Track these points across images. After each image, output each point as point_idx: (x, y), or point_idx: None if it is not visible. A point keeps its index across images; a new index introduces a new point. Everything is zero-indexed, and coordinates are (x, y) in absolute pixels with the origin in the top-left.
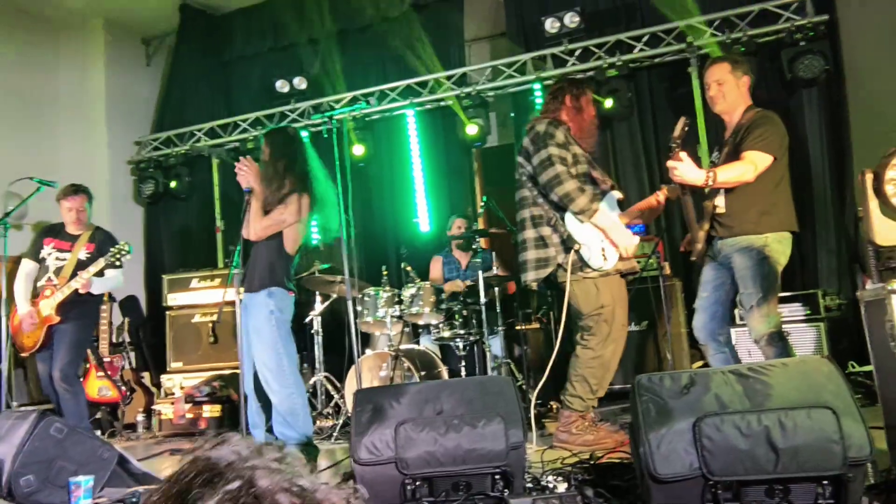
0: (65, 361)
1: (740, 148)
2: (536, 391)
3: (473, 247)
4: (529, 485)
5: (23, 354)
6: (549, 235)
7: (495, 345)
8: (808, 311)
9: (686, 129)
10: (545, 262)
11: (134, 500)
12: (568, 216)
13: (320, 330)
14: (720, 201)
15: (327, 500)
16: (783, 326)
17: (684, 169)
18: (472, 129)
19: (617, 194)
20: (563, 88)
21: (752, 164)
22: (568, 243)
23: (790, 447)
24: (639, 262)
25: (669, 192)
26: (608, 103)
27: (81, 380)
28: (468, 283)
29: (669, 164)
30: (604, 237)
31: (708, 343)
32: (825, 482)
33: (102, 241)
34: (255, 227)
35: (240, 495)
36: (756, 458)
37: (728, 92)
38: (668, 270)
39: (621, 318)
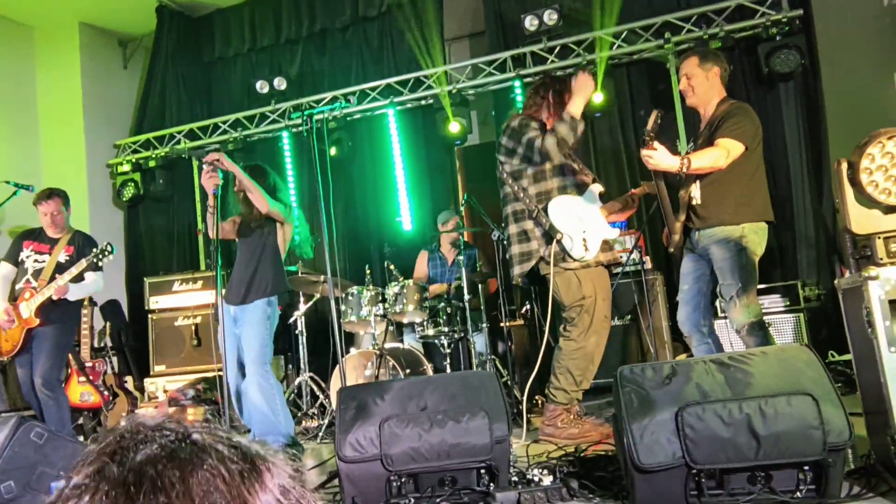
0: (46, 367)
1: (714, 137)
2: (528, 387)
3: (457, 244)
4: (515, 478)
5: (1, 359)
6: (532, 229)
7: (479, 342)
8: (788, 302)
9: (659, 121)
10: (528, 256)
11: None
12: (551, 206)
13: (304, 330)
14: (696, 192)
15: (268, 459)
16: (764, 317)
17: (659, 156)
18: (454, 127)
19: (598, 188)
20: (545, 84)
21: (725, 150)
22: (550, 233)
23: (771, 434)
24: (620, 256)
25: (648, 188)
26: (597, 98)
27: (63, 385)
28: (454, 284)
29: (644, 153)
30: (585, 227)
31: (692, 334)
32: (806, 468)
33: (82, 245)
34: (265, 199)
35: (174, 444)
36: (738, 446)
37: (697, 85)
38: (649, 264)
39: (603, 309)
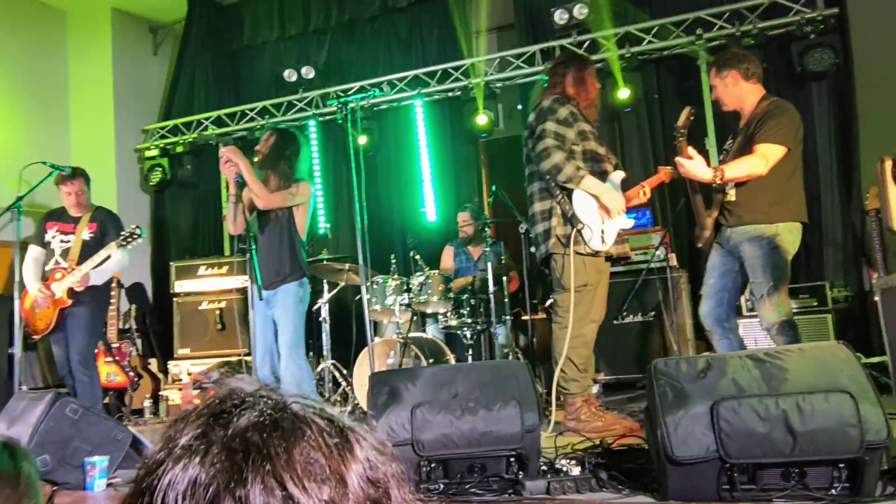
0: (82, 345)
1: (753, 139)
2: (555, 381)
3: (483, 237)
4: (544, 468)
5: (35, 337)
6: (554, 207)
7: (501, 334)
8: (816, 303)
9: (691, 118)
10: (549, 234)
11: (139, 479)
12: (575, 195)
13: (328, 318)
14: (730, 189)
15: (356, 431)
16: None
17: (692, 165)
18: (482, 119)
19: (620, 175)
20: (564, 62)
21: (764, 157)
22: (572, 221)
23: (808, 430)
24: (645, 252)
25: (665, 175)
26: (624, 94)
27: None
28: (477, 277)
29: (677, 160)
30: (604, 221)
31: (713, 329)
32: (841, 465)
33: (104, 220)
34: (264, 195)
35: (276, 413)
36: (774, 441)
37: (721, 94)
38: (674, 261)
39: (601, 299)
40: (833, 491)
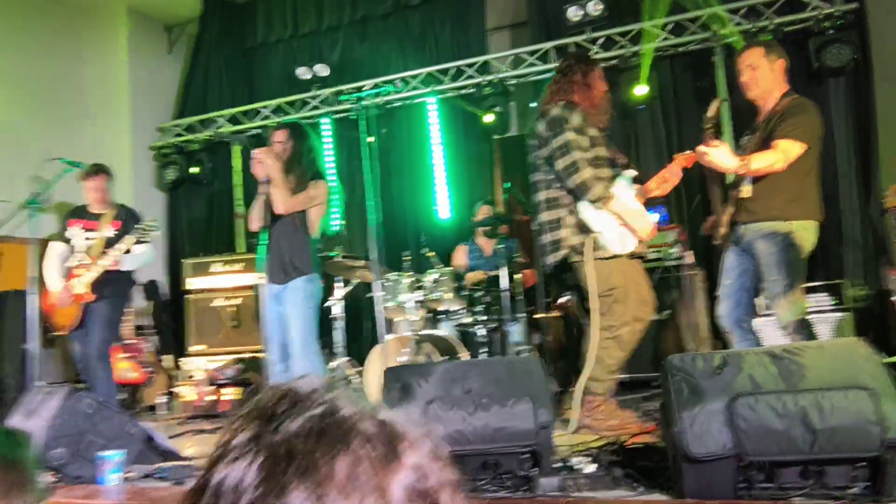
0: (100, 339)
1: (773, 135)
2: (581, 384)
3: (497, 233)
4: (558, 465)
5: (59, 333)
6: (564, 217)
7: (515, 332)
8: (835, 302)
9: (720, 110)
10: (558, 245)
11: (160, 475)
12: (581, 204)
13: (342, 315)
14: (746, 186)
15: (409, 436)
16: (808, 317)
17: (718, 155)
18: (488, 118)
19: (631, 173)
20: (570, 66)
21: (784, 153)
22: (583, 228)
23: (827, 428)
24: (660, 250)
25: (680, 160)
26: (639, 91)
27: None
28: (489, 273)
29: (701, 148)
30: (619, 223)
31: (732, 330)
32: (861, 464)
33: (127, 218)
34: (286, 201)
35: (324, 420)
36: (792, 439)
37: (761, 77)
38: (690, 259)
39: (636, 297)
40: (853, 490)
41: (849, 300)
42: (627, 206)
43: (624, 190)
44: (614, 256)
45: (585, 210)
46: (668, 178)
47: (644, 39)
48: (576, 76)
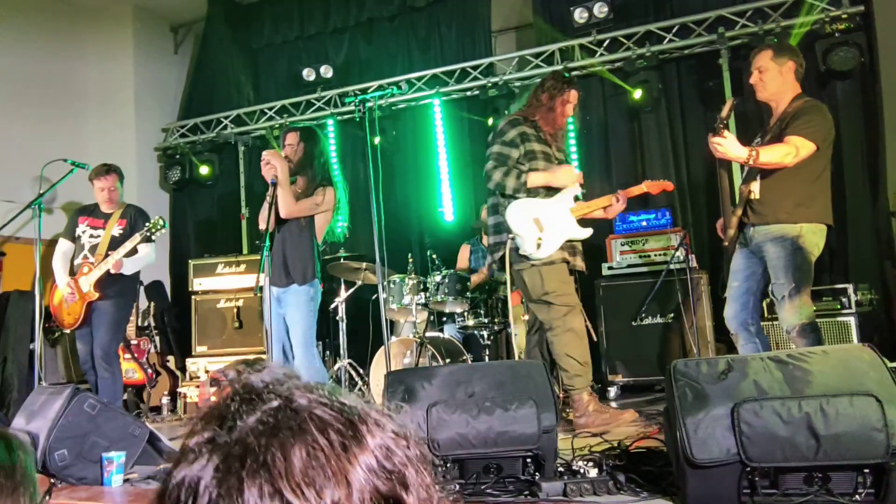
0: (105, 340)
1: (784, 133)
2: (563, 382)
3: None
4: (561, 469)
5: (64, 331)
6: (503, 222)
7: (518, 335)
8: (839, 306)
9: (734, 109)
10: (498, 247)
11: (164, 476)
12: (510, 207)
13: (344, 317)
14: (755, 187)
15: (371, 417)
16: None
17: (728, 145)
18: (493, 120)
19: (576, 189)
20: (544, 83)
21: (794, 148)
22: (505, 230)
23: (832, 434)
24: (665, 253)
25: (648, 187)
26: (637, 94)
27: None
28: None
29: (713, 140)
30: (544, 227)
31: (739, 333)
32: (866, 471)
33: (134, 217)
34: (289, 206)
35: (279, 414)
36: (796, 445)
37: (769, 80)
38: (694, 263)
39: (573, 299)
40: (857, 497)
41: (854, 304)
42: (545, 174)
43: (558, 205)
44: (549, 262)
45: (508, 212)
46: (612, 204)
47: (650, 41)
48: (543, 95)
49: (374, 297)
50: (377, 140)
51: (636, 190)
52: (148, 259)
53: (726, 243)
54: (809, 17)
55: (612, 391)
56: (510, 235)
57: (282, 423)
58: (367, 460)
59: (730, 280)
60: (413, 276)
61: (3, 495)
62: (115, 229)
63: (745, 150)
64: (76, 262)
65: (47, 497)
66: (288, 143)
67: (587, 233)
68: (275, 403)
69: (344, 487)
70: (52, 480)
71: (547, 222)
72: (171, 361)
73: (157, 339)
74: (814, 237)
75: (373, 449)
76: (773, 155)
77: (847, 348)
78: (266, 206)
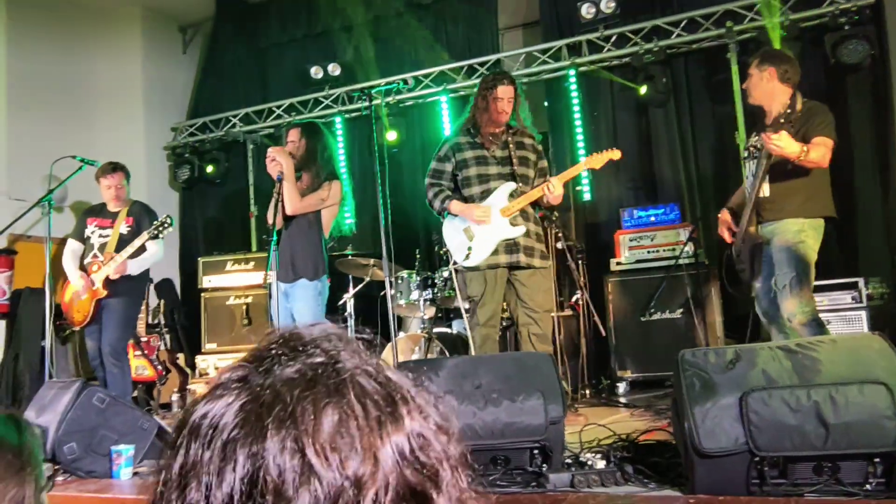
0: (114, 337)
1: (806, 135)
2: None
3: None
4: (568, 461)
5: (74, 328)
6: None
7: None
8: (850, 300)
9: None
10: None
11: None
12: (444, 223)
13: (353, 312)
14: (765, 187)
15: (415, 401)
16: (825, 314)
17: (787, 141)
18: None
19: (507, 188)
20: (478, 88)
21: (827, 148)
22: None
23: (841, 423)
24: (673, 249)
25: (591, 162)
26: (643, 90)
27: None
28: None
29: (772, 136)
30: (474, 236)
31: (770, 326)
32: (876, 460)
33: (140, 214)
34: (294, 202)
35: (320, 370)
36: (805, 434)
37: (752, 87)
38: (703, 258)
39: (488, 311)
40: (867, 486)
41: (864, 298)
42: (462, 206)
43: (491, 204)
44: (474, 269)
45: (443, 228)
46: (543, 195)
47: (658, 36)
48: (478, 98)
49: (382, 293)
50: (394, 136)
51: (573, 170)
52: (156, 257)
53: (740, 242)
54: (813, 12)
55: (622, 387)
56: (445, 248)
57: (320, 379)
58: (400, 442)
59: (755, 278)
60: (421, 272)
61: (10, 473)
62: (123, 227)
63: (797, 147)
64: (86, 261)
65: (51, 482)
66: (290, 139)
67: (520, 231)
68: (319, 359)
69: (371, 464)
70: (56, 467)
71: (477, 229)
72: (181, 358)
73: (166, 336)
74: (814, 231)
75: (409, 433)
76: (817, 153)
77: (856, 337)
78: (273, 202)
